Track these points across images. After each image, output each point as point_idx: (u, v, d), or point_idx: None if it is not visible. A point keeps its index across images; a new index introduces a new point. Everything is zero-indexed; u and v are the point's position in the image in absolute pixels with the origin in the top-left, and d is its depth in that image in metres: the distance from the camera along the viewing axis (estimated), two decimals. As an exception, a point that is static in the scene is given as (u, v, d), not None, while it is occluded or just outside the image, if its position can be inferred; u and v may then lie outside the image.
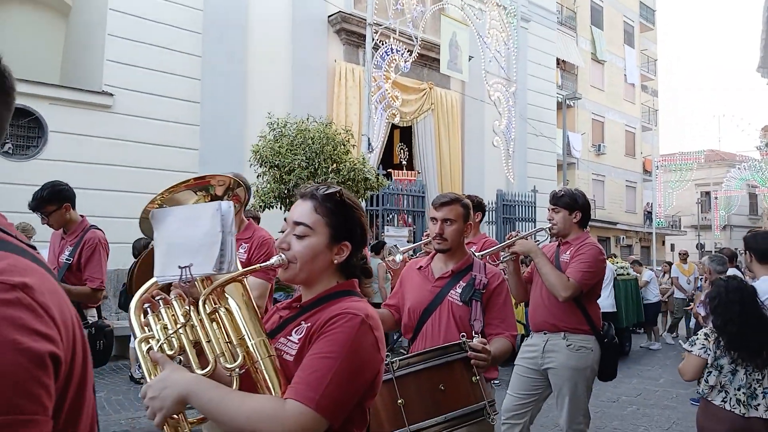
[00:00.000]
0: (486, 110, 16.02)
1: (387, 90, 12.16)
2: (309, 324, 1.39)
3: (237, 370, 1.30)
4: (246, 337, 1.33)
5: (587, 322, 3.28)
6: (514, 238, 3.33)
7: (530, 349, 3.41)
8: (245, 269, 1.43)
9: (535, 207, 14.62)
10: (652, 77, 35.52)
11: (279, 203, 8.11)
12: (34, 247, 0.89)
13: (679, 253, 12.07)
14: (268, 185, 8.15)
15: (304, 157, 7.85)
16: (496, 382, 2.68)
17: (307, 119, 8.58)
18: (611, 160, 29.09)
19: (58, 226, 3.55)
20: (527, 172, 17.43)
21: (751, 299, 2.97)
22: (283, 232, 1.54)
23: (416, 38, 12.71)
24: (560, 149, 20.46)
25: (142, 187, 9.38)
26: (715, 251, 13.81)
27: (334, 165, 8.06)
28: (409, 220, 11.57)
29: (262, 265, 1.50)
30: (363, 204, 8.99)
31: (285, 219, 3.33)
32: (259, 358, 1.31)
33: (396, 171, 12.78)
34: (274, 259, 1.47)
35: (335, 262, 1.49)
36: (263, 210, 8.07)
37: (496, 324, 2.39)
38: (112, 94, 10.19)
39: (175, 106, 10.90)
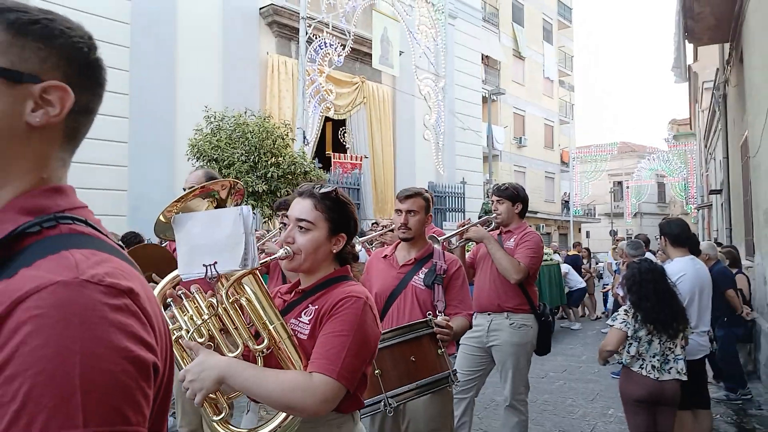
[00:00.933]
0: (416, 104, 16.45)
1: (321, 84, 12.29)
2: (317, 306, 1.61)
3: (264, 350, 1.51)
4: (267, 321, 1.54)
5: (528, 303, 3.65)
6: (467, 225, 3.64)
7: (475, 330, 3.73)
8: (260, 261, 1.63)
9: (464, 198, 15.21)
10: (569, 73, 37.25)
11: (218, 197, 8.11)
12: (123, 247, 0.89)
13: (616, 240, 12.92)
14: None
15: (243, 151, 7.91)
16: (454, 356, 2.97)
17: (245, 113, 8.62)
18: (531, 152, 30.42)
19: None
20: (456, 164, 18.04)
21: (660, 278, 3.41)
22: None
23: (349, 33, 12.89)
24: (485, 142, 21.27)
25: (75, 182, 9.08)
26: (629, 237, 14.90)
27: (274, 159, 8.15)
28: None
29: (271, 257, 1.70)
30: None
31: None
32: (282, 339, 1.52)
33: (336, 154, 13.00)
34: (281, 252, 1.67)
35: (333, 251, 1.71)
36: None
37: (455, 304, 2.68)
38: (34, 85, 9.78)
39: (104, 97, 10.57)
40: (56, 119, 0.80)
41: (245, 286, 1.59)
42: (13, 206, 0.76)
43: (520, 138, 29.32)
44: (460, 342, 3.84)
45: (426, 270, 2.70)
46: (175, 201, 1.62)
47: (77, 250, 0.72)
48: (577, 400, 6.26)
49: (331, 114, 13.22)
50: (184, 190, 3.13)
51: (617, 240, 12.84)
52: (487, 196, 15.12)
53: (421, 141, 16.14)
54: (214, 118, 8.45)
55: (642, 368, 3.35)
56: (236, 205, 1.71)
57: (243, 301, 1.56)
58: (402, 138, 16.36)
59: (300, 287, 1.73)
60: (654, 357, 3.35)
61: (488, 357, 3.75)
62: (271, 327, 1.54)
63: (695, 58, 14.68)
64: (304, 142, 10.93)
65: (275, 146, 8.17)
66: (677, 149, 29.41)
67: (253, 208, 7.91)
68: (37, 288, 0.65)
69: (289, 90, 13.36)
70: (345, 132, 14.74)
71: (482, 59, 23.01)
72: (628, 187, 33.69)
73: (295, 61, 13.57)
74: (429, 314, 2.44)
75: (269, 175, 7.92)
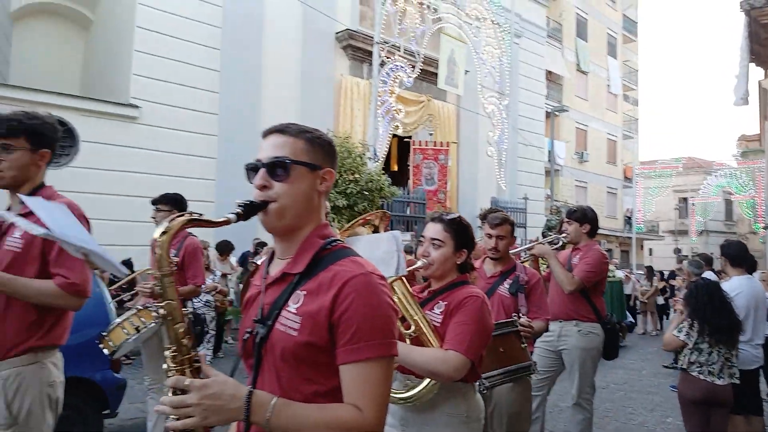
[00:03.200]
0: (480, 121, 16.97)
1: (391, 103, 13.01)
2: (446, 302, 2.24)
3: (411, 334, 2.15)
4: (412, 313, 2.18)
5: (594, 312, 4.17)
6: (534, 243, 4.21)
7: (547, 335, 4.26)
8: (409, 268, 2.27)
9: (526, 213, 15.59)
10: (633, 87, 36.80)
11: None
12: None
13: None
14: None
15: (326, 169, 8.67)
16: (531, 353, 3.53)
17: (327, 133, 9.38)
18: (593, 167, 30.21)
19: None
20: (517, 180, 18.41)
21: (716, 293, 3.86)
22: None
23: (418, 55, 13.58)
24: (546, 157, 21.51)
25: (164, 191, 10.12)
26: (694, 255, 14.90)
27: (353, 176, 8.88)
28: (415, 226, 12.50)
29: (413, 267, 2.34)
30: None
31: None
32: (423, 326, 2.16)
33: (417, 141, 13.82)
34: (420, 262, 2.31)
35: (457, 263, 2.34)
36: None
37: (535, 310, 3.25)
38: (138, 106, 10.92)
39: (195, 117, 11.65)
40: (327, 187, 1.44)
41: (395, 287, 2.23)
42: (313, 235, 1.40)
43: (582, 153, 29.20)
44: (535, 345, 4.39)
45: (510, 281, 3.29)
46: (344, 229, 2.28)
47: (353, 257, 1.35)
48: (637, 409, 6.65)
49: (399, 132, 13.92)
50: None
51: (681, 259, 12.97)
52: (550, 213, 15.45)
53: (484, 157, 16.64)
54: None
55: (700, 373, 3.81)
56: (386, 229, 2.35)
57: (395, 299, 2.21)
58: (465, 154, 16.90)
59: (431, 288, 2.37)
60: (712, 365, 3.80)
61: (559, 360, 4.28)
62: (416, 317, 2.17)
63: (766, 75, 14.60)
64: (374, 158, 11.66)
65: (354, 164, 8.90)
66: (746, 166, 28.65)
67: (333, 221, 8.66)
68: (354, 275, 1.27)
69: (360, 109, 14.17)
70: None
71: (545, 75, 23.31)
72: (693, 204, 32.96)
73: (366, 82, 14.39)
74: (514, 316, 3.03)
75: (348, 191, 8.65)
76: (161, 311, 1.18)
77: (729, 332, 3.81)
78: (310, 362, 1.25)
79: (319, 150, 1.39)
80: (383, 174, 9.65)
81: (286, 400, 1.19)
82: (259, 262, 4.92)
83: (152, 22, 11.21)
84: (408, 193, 13.32)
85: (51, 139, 2.33)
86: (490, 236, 3.34)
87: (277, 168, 1.33)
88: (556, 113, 23.57)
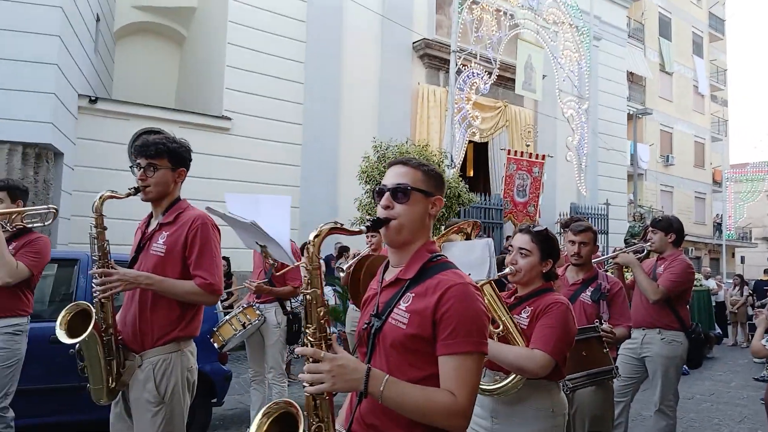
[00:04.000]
0: (558, 126, 16.80)
1: (468, 110, 13.16)
2: (532, 308, 2.45)
3: (500, 333, 2.37)
4: (501, 314, 2.41)
5: (678, 321, 4.21)
6: (617, 252, 4.30)
7: (631, 342, 4.34)
8: (498, 274, 2.50)
9: (608, 219, 15.29)
10: (721, 87, 35.11)
11: (383, 217, 9.22)
12: None
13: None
14: (373, 202, 9.30)
15: (406, 177, 8.96)
16: (614, 358, 3.65)
17: (406, 142, 9.70)
18: (680, 171, 29.06)
19: None
20: (598, 185, 18.06)
21: None
22: None
23: (495, 61, 13.66)
24: (629, 161, 20.93)
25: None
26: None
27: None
28: (492, 232, 12.59)
29: (502, 273, 2.56)
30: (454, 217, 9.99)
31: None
32: (511, 326, 2.38)
33: (513, 150, 14.01)
34: (507, 269, 2.53)
35: (543, 271, 2.54)
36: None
37: (616, 317, 3.38)
38: (230, 118, 11.64)
39: (282, 128, 12.27)
40: (436, 211, 1.70)
41: (485, 290, 2.46)
42: (422, 249, 1.67)
43: (668, 156, 28.14)
44: (618, 351, 4.47)
45: (592, 289, 3.43)
46: (440, 236, 2.53)
47: (454, 269, 1.62)
48: (724, 421, 6.51)
49: (476, 138, 14.04)
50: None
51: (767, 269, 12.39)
52: (633, 219, 15.08)
53: (563, 162, 16.44)
54: (380, 147, 9.62)
55: None
56: (478, 236, 2.59)
57: (486, 300, 2.44)
58: (548, 158, 16.75)
59: (517, 294, 2.58)
60: None
61: (642, 367, 4.35)
62: (504, 318, 2.40)
63: None
64: (451, 164, 11.84)
65: (433, 172, 9.14)
66: None
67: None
68: (455, 284, 1.54)
69: (437, 116, 14.40)
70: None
71: (627, 76, 22.70)
72: (790, 210, 30.94)
73: (443, 90, 14.60)
74: (596, 321, 3.18)
75: (428, 198, 8.90)
76: (308, 297, 1.47)
77: None
78: (415, 351, 1.52)
79: (432, 181, 1.67)
80: (461, 181, 9.83)
81: (395, 378, 1.46)
82: (344, 267, 5.22)
83: (242, 38, 11.91)
84: (487, 200, 13.40)
85: (187, 160, 2.72)
86: (573, 242, 3.49)
87: (399, 192, 1.61)
88: (639, 116, 22.91)
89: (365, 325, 1.64)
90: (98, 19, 11.35)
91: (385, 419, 1.50)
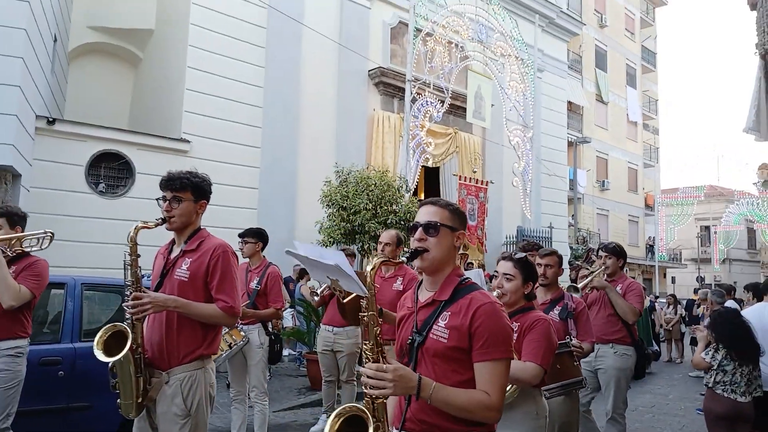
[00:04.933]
0: (504, 152, 17.58)
1: (422, 137, 13.68)
2: (519, 323, 2.81)
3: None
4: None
5: (629, 336, 4.69)
6: (593, 276, 4.73)
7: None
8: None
9: (551, 241, 16.06)
10: (653, 116, 37.28)
11: (344, 239, 9.54)
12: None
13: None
14: (334, 223, 9.60)
15: (368, 200, 9.32)
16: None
17: (367, 167, 10.07)
18: (615, 195, 30.58)
19: (250, 257, 5.00)
20: (541, 209, 18.92)
21: (736, 320, 4.37)
22: None
23: (447, 90, 14.28)
24: (567, 186, 22.01)
25: (214, 222, 10.80)
26: (717, 283, 15.23)
27: (392, 207, 9.51)
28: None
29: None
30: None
31: None
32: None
33: (462, 176, 14.59)
34: (495, 293, 2.89)
35: (525, 293, 2.91)
36: (330, 245, 9.51)
37: (583, 334, 3.80)
38: (189, 141, 11.72)
39: (240, 151, 12.43)
40: (460, 243, 2.05)
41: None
42: (452, 274, 2.01)
43: (603, 181, 29.60)
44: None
45: (560, 308, 3.84)
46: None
47: (481, 290, 1.97)
48: (665, 430, 7.08)
49: (429, 164, 14.58)
50: (379, 243, 4.45)
51: (696, 289, 13.36)
52: (576, 242, 15.89)
53: (509, 187, 17.21)
54: (342, 172, 9.95)
55: (724, 391, 4.30)
56: (467, 264, 2.94)
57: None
58: (491, 184, 17.47)
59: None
60: (736, 384, 4.29)
61: (595, 378, 4.79)
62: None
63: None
64: (407, 190, 12.28)
65: (393, 197, 9.54)
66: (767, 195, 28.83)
67: (373, 250, 9.26)
68: (484, 303, 1.88)
69: (391, 142, 14.87)
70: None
71: (566, 105, 23.91)
72: (716, 233, 33.07)
73: (397, 116, 15.12)
74: (567, 338, 3.59)
75: (388, 221, 9.27)
76: (365, 318, 1.77)
77: (751, 354, 4.32)
78: (455, 360, 1.85)
79: (457, 218, 2.01)
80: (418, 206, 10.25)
81: (441, 384, 1.78)
82: (318, 291, 5.45)
83: (201, 62, 12.06)
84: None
85: (207, 192, 2.97)
86: (539, 265, 3.89)
87: (430, 228, 1.94)
88: (579, 143, 24.13)
89: (409, 340, 1.95)
90: (55, 40, 11.26)
91: (434, 416, 1.82)
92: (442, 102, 14.21)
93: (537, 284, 3.44)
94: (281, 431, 6.15)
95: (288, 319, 10.16)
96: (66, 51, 13.14)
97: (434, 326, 1.90)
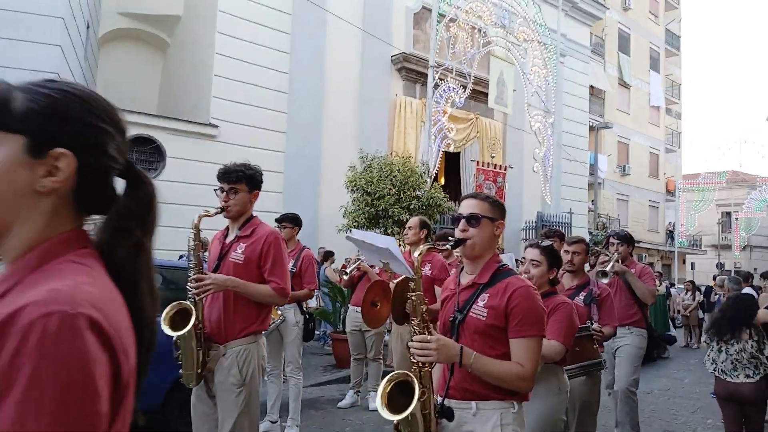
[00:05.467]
0: (525, 137, 17.67)
1: (444, 123, 13.84)
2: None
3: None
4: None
5: (644, 320, 4.93)
6: (613, 262, 4.95)
7: (604, 338, 5.03)
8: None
9: (571, 227, 16.21)
10: (676, 101, 36.87)
11: (368, 223, 9.82)
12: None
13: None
14: (358, 208, 9.87)
15: (391, 186, 9.57)
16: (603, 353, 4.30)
17: (391, 153, 10.30)
18: (635, 180, 30.44)
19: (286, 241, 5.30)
20: (561, 194, 19.02)
21: (737, 301, 4.54)
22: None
23: (469, 76, 14.39)
24: (588, 171, 22.03)
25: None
26: (737, 270, 15.30)
27: (416, 192, 9.76)
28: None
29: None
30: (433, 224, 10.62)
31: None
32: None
33: (480, 162, 14.75)
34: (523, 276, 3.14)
35: (550, 278, 3.16)
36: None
37: (605, 318, 4.03)
38: (217, 126, 12.03)
39: (266, 135, 12.73)
40: (500, 233, 2.29)
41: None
42: (491, 260, 2.26)
43: (624, 166, 29.48)
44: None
45: (585, 293, 4.07)
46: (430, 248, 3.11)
47: (516, 275, 2.22)
48: (680, 411, 7.31)
49: (450, 149, 14.75)
50: (405, 228, 4.68)
51: (715, 276, 13.47)
52: (596, 228, 16.03)
53: (529, 172, 17.32)
54: (367, 158, 10.20)
55: (714, 370, 4.49)
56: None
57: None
58: (511, 170, 17.59)
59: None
60: (723, 362, 4.45)
61: (614, 359, 5.05)
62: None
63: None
64: (427, 175, 12.50)
65: (417, 182, 9.78)
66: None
67: (398, 234, 9.52)
68: (520, 286, 2.14)
69: (413, 127, 15.07)
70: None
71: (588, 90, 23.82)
72: (737, 219, 32.78)
73: (419, 101, 15.29)
74: (588, 322, 3.83)
75: (412, 206, 9.53)
76: (413, 297, 2.04)
77: (721, 331, 4.43)
78: (492, 336, 2.12)
79: (497, 210, 2.25)
80: (442, 192, 10.49)
81: (481, 354, 2.04)
82: (348, 271, 5.73)
83: (229, 49, 12.32)
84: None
85: (260, 183, 3.24)
86: (567, 252, 4.12)
87: (472, 219, 2.19)
88: (600, 128, 24.08)
89: (451, 317, 2.22)
90: (88, 26, 11.58)
91: (475, 384, 2.10)
92: (464, 87, 14.31)
93: (562, 270, 3.66)
94: (310, 405, 6.49)
95: (312, 299, 10.51)
96: (97, 37, 13.47)
97: (473, 306, 2.16)
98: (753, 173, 40.28)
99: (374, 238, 2.39)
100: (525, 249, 3.30)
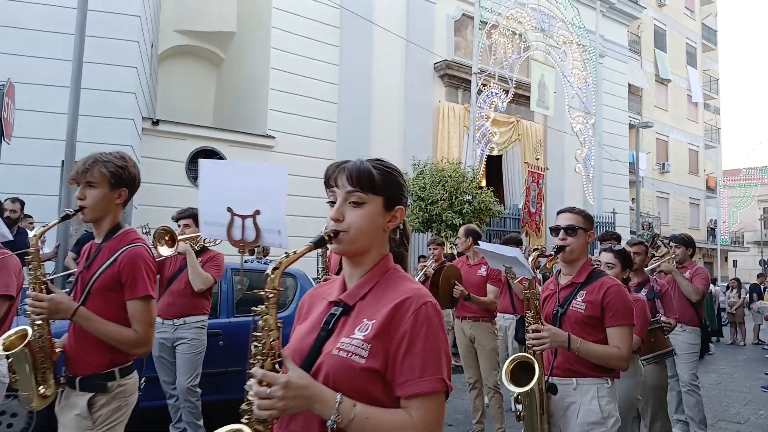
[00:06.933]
0: (566, 139, 17.97)
1: (487, 127, 14.28)
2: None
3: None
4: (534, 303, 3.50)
5: (697, 318, 5.32)
6: (661, 261, 5.37)
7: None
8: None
9: (614, 227, 16.44)
10: (714, 96, 36.43)
11: (422, 228, 10.34)
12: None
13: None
14: (412, 213, 10.39)
15: (444, 191, 10.08)
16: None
17: (441, 160, 10.80)
18: (675, 178, 30.23)
19: None
20: (603, 194, 19.23)
21: None
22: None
23: (511, 81, 14.80)
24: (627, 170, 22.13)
25: (299, 211, 11.85)
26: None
27: (467, 197, 10.24)
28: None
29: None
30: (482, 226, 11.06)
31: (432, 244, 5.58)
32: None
33: (528, 164, 15.21)
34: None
35: (623, 277, 3.62)
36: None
37: (668, 310, 4.48)
38: (273, 137, 12.71)
39: (318, 144, 13.35)
40: (590, 241, 2.78)
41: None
42: (586, 263, 2.75)
43: (663, 164, 29.31)
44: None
45: (646, 290, 4.51)
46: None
47: (608, 275, 2.70)
48: (732, 403, 7.63)
49: (494, 152, 15.19)
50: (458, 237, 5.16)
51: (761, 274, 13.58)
52: (642, 228, 16.23)
53: (571, 173, 17.61)
54: (419, 165, 10.73)
55: None
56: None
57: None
58: (552, 171, 17.92)
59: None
60: None
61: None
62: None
63: None
64: (476, 181, 12.96)
65: (469, 188, 10.26)
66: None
67: (449, 238, 10.01)
68: (612, 284, 2.64)
69: (456, 132, 15.54)
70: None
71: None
72: (781, 215, 32.26)
73: (462, 107, 15.75)
74: (658, 315, 4.27)
75: (464, 210, 10.01)
76: (527, 294, 2.54)
77: None
78: (590, 325, 2.61)
79: (588, 222, 2.75)
80: (493, 196, 10.94)
81: (584, 340, 2.52)
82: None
83: (283, 63, 13.00)
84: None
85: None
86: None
87: (569, 230, 2.68)
88: (640, 127, 24.08)
89: (554, 311, 2.72)
90: (152, 46, 12.38)
91: (576, 364, 2.59)
92: (507, 92, 14.73)
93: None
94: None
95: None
96: (157, 54, 14.31)
97: (573, 301, 2.66)
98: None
99: (500, 248, 2.88)
100: (599, 253, 3.76)
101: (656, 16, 29.80)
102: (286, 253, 1.31)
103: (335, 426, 1.20)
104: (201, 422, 4.43)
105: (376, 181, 1.38)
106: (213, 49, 15.23)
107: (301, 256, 1.32)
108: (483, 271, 5.30)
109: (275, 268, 1.30)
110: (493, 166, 17.51)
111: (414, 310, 1.28)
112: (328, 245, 1.37)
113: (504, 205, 15.50)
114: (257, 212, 1.57)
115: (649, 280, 4.57)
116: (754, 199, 31.88)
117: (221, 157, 12.11)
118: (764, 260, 32.02)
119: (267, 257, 9.01)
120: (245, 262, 8.84)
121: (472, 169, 11.03)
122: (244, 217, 1.57)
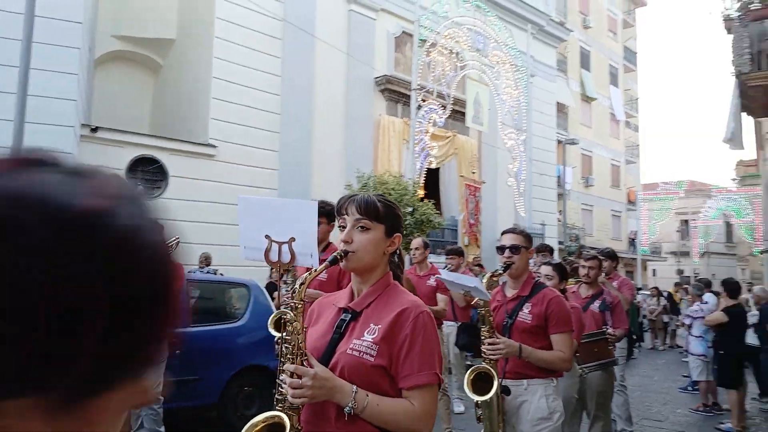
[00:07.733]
0: (498, 154, 18.71)
1: (426, 141, 14.72)
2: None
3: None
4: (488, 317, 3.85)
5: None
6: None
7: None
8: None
9: (544, 238, 17.28)
10: (634, 114, 38.69)
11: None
12: None
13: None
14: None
15: (386, 204, 10.37)
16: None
17: (384, 174, 11.11)
18: (598, 191, 31.84)
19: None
20: (533, 207, 20.08)
21: None
22: None
23: (449, 97, 15.33)
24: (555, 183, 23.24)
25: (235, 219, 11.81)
26: (695, 276, 16.52)
27: (409, 209, 10.57)
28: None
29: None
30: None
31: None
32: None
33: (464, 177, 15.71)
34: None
35: (560, 288, 3.99)
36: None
37: (616, 322, 4.88)
38: (215, 146, 12.65)
39: (261, 154, 13.39)
40: (530, 258, 3.11)
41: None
42: (529, 278, 3.08)
43: (587, 178, 30.82)
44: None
45: (599, 302, 4.89)
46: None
47: (549, 288, 3.04)
48: (653, 404, 8.27)
49: (432, 166, 15.64)
50: (410, 249, 5.52)
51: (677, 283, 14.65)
52: (570, 240, 17.09)
53: (503, 187, 18.35)
54: (363, 177, 10.98)
55: None
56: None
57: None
58: (486, 184, 18.60)
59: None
60: None
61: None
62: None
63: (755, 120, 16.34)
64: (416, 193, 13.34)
65: (410, 200, 10.60)
66: (744, 193, 30.23)
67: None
68: (554, 296, 3.00)
69: (396, 145, 15.92)
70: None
71: (554, 107, 25.06)
72: (695, 227, 34.51)
73: (401, 120, 16.16)
74: (604, 327, 4.66)
75: (406, 222, 10.33)
76: (481, 311, 2.82)
77: None
78: (534, 333, 2.93)
79: (529, 240, 3.10)
80: (434, 209, 11.33)
81: (530, 347, 2.83)
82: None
83: (225, 73, 12.98)
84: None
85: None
86: (583, 267, 4.95)
87: (514, 249, 3.00)
88: (567, 143, 25.32)
89: (504, 322, 3.01)
90: (89, 51, 12.10)
91: (525, 368, 2.90)
92: (444, 108, 15.24)
93: (577, 283, 4.48)
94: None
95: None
96: (93, 59, 13.95)
97: (520, 312, 2.97)
98: (709, 182, 42.35)
99: (461, 278, 3.16)
100: (539, 266, 4.12)
101: (582, 38, 31.41)
102: (307, 269, 1.54)
103: (352, 412, 1.47)
104: (162, 429, 4.49)
105: (380, 212, 1.63)
106: (151, 55, 14.97)
107: (320, 274, 1.62)
108: (432, 281, 5.63)
109: (302, 284, 1.58)
110: (430, 178, 18.01)
111: (413, 318, 1.54)
112: (340, 264, 1.59)
113: (443, 217, 16.01)
114: (292, 239, 1.82)
115: (603, 292, 4.97)
116: (672, 212, 33.90)
117: (161, 165, 11.97)
118: (681, 270, 34.21)
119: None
120: (190, 272, 8.79)
121: (413, 181, 11.37)
122: (281, 243, 1.82)
